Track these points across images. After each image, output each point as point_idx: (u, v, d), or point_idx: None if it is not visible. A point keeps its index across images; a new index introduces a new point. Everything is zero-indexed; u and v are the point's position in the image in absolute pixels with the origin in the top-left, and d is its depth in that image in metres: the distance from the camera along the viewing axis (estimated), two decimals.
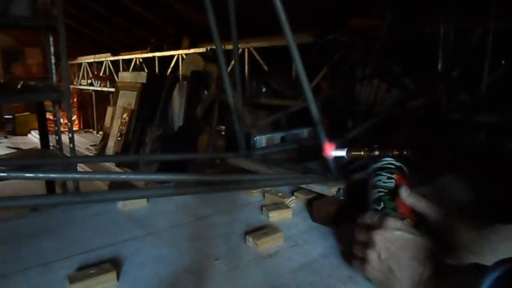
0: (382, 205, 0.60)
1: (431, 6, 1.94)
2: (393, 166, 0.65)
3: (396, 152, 0.70)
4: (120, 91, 5.26)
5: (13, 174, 0.49)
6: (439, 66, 1.86)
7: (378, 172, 0.65)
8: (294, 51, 0.58)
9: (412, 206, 0.59)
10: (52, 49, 2.73)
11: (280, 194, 0.83)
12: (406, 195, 0.59)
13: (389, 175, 0.63)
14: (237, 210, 0.81)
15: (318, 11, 2.83)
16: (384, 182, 0.63)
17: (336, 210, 0.73)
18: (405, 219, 0.58)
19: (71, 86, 6.16)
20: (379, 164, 0.66)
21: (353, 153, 0.75)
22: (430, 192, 0.61)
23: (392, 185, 0.62)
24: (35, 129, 6.23)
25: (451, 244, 0.55)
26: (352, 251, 0.55)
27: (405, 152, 0.70)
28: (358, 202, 0.77)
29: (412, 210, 0.59)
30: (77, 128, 7.85)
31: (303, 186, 0.85)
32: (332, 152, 0.76)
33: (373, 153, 0.73)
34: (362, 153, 0.75)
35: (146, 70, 5.09)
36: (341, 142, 0.96)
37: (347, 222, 0.74)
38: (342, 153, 0.76)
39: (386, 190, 0.61)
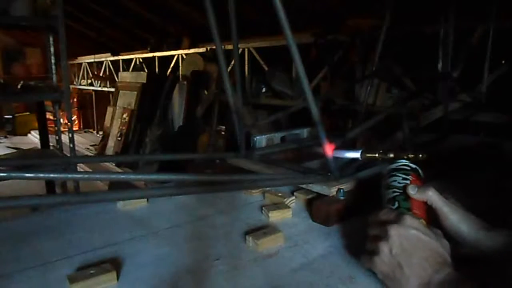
0: (396, 204, 0.59)
1: (431, 6, 1.94)
2: (408, 168, 0.65)
3: (411, 155, 0.69)
4: (120, 91, 5.26)
5: (13, 174, 0.49)
6: (439, 66, 1.86)
7: (394, 173, 0.64)
8: (294, 51, 0.58)
9: (422, 200, 0.58)
10: (52, 49, 2.73)
11: (280, 194, 0.83)
12: (413, 193, 0.58)
13: (404, 176, 0.63)
14: (237, 210, 0.81)
15: (318, 11, 2.84)
16: (399, 182, 0.62)
17: (336, 210, 0.73)
18: (420, 219, 0.57)
19: (71, 86, 6.16)
20: (394, 165, 0.66)
21: (368, 155, 0.74)
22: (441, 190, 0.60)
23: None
24: (35, 129, 6.22)
25: (459, 241, 0.55)
26: (364, 247, 0.55)
27: (420, 156, 0.69)
28: (359, 201, 0.77)
29: (426, 212, 0.59)
30: (77, 128, 7.85)
31: (303, 186, 0.85)
32: (346, 153, 0.75)
33: (387, 155, 0.73)
34: (377, 155, 0.74)
35: (146, 70, 5.09)
36: (341, 142, 0.96)
37: (347, 221, 0.74)
38: (356, 154, 0.75)
39: (401, 191, 0.61)
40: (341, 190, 0.76)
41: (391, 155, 0.72)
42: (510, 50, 1.88)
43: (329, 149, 0.67)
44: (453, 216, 0.56)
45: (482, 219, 0.56)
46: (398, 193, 0.61)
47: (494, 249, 0.53)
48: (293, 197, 0.84)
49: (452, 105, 1.78)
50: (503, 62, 1.94)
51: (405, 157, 0.69)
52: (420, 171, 0.65)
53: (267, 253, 0.63)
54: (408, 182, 0.61)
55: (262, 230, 0.67)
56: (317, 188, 0.81)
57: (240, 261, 0.61)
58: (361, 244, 0.65)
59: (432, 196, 0.57)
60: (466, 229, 0.55)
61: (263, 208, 0.78)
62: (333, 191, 0.77)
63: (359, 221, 0.74)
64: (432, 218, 0.58)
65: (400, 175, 0.63)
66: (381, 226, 0.53)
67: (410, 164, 0.65)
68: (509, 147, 1.13)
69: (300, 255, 0.62)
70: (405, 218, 0.52)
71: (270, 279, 0.56)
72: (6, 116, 7.62)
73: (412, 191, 0.59)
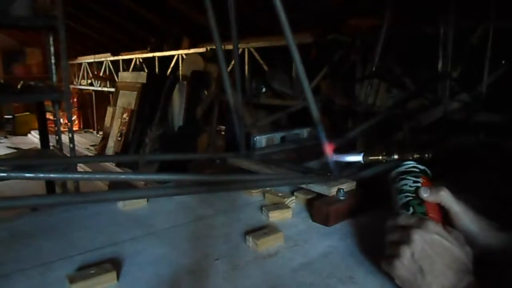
0: (411, 210, 0.57)
1: (431, 6, 1.94)
2: (417, 170, 0.63)
3: (416, 156, 0.67)
4: (120, 91, 5.26)
5: (13, 174, 0.49)
6: (439, 66, 1.86)
7: (403, 176, 0.62)
8: (294, 51, 0.58)
9: (436, 201, 0.57)
10: (52, 49, 2.73)
11: (280, 194, 0.83)
12: (426, 195, 0.57)
13: (414, 179, 0.61)
14: (237, 210, 0.81)
15: (318, 11, 2.83)
16: (410, 186, 0.60)
17: (336, 210, 0.73)
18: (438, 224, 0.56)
19: (71, 86, 6.16)
20: (402, 168, 0.64)
21: (370, 157, 0.72)
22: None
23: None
24: (35, 129, 6.23)
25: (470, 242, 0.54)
26: (384, 252, 0.53)
27: (426, 156, 0.67)
28: (360, 200, 0.77)
29: (442, 214, 0.57)
30: (77, 128, 7.85)
31: (303, 186, 0.85)
32: (347, 157, 0.73)
33: (391, 157, 0.70)
34: (380, 157, 0.71)
35: (146, 70, 5.09)
36: (341, 142, 0.96)
37: (347, 221, 0.74)
38: (359, 157, 0.73)
39: (413, 195, 0.59)
40: (341, 190, 0.76)
41: (396, 157, 0.70)
42: (510, 50, 1.87)
43: (329, 149, 0.67)
44: (466, 217, 0.55)
45: (490, 220, 0.55)
46: (411, 198, 0.58)
47: (505, 250, 0.52)
48: (293, 197, 0.84)
49: (452, 105, 1.78)
50: (503, 62, 1.94)
51: (411, 158, 0.67)
52: (428, 172, 0.64)
53: (267, 253, 0.63)
54: (419, 185, 0.60)
55: (262, 230, 0.67)
56: (317, 188, 0.81)
57: (240, 261, 0.61)
58: (361, 244, 0.66)
59: (445, 196, 0.56)
60: (477, 230, 0.54)
61: (263, 208, 0.78)
62: (333, 191, 0.77)
63: (359, 221, 0.74)
64: (445, 219, 0.57)
65: (410, 178, 0.61)
66: (403, 231, 0.51)
67: (419, 166, 0.63)
68: (509, 147, 1.13)
69: (300, 255, 0.62)
70: (428, 223, 0.51)
71: (270, 279, 0.56)
72: (6, 116, 7.62)
73: (424, 193, 0.57)
